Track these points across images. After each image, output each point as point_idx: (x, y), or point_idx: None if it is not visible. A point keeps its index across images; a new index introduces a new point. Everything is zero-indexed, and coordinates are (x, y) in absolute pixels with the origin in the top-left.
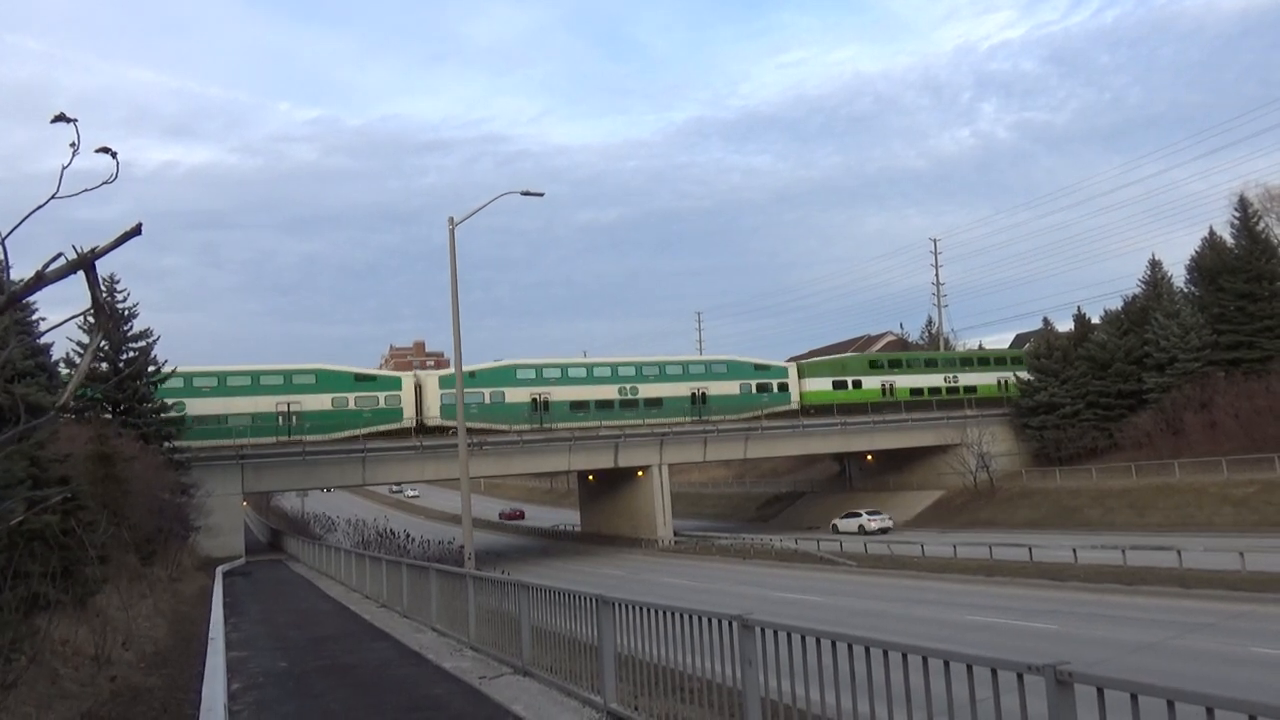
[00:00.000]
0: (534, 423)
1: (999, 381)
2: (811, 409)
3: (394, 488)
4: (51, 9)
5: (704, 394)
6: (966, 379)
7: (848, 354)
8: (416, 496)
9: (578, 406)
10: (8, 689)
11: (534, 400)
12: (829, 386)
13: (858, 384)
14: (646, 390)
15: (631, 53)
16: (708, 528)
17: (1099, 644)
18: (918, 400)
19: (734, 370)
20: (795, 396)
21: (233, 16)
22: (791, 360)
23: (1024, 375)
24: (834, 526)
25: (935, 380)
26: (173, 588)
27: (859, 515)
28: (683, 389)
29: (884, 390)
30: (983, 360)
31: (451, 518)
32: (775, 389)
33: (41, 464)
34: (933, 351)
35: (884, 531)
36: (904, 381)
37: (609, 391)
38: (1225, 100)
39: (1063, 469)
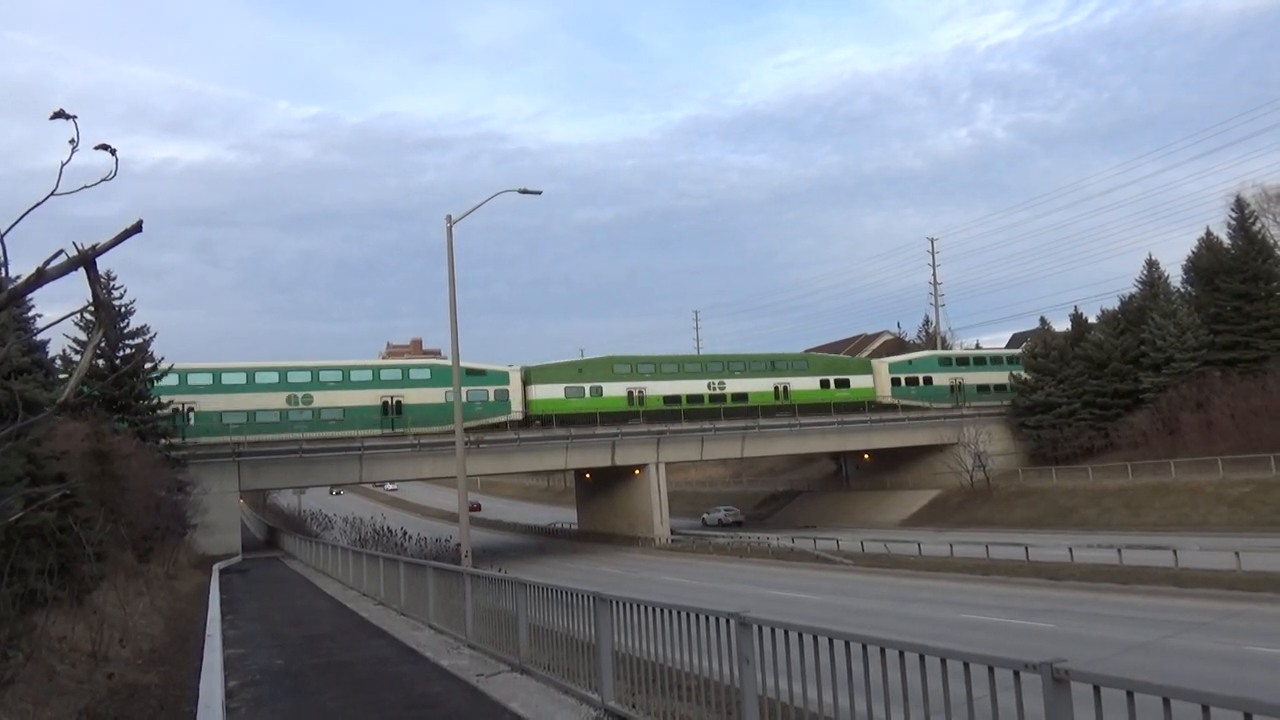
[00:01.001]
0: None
1: (775, 388)
2: (538, 420)
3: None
4: (51, 6)
5: (399, 402)
6: (735, 386)
7: (589, 358)
8: (395, 490)
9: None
10: (5, 686)
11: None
12: (561, 394)
13: (598, 390)
14: (324, 399)
15: (631, 52)
16: (705, 526)
17: (1095, 643)
18: (672, 409)
19: (439, 375)
20: (518, 405)
21: (232, 14)
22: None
23: (806, 382)
24: (703, 519)
25: (697, 387)
26: (169, 585)
27: (719, 510)
28: (371, 397)
29: (631, 398)
30: (756, 364)
31: (437, 514)
32: (491, 396)
33: (38, 461)
34: (695, 355)
35: (738, 524)
36: (656, 389)
37: (276, 400)
38: (1222, 101)
39: (1059, 468)
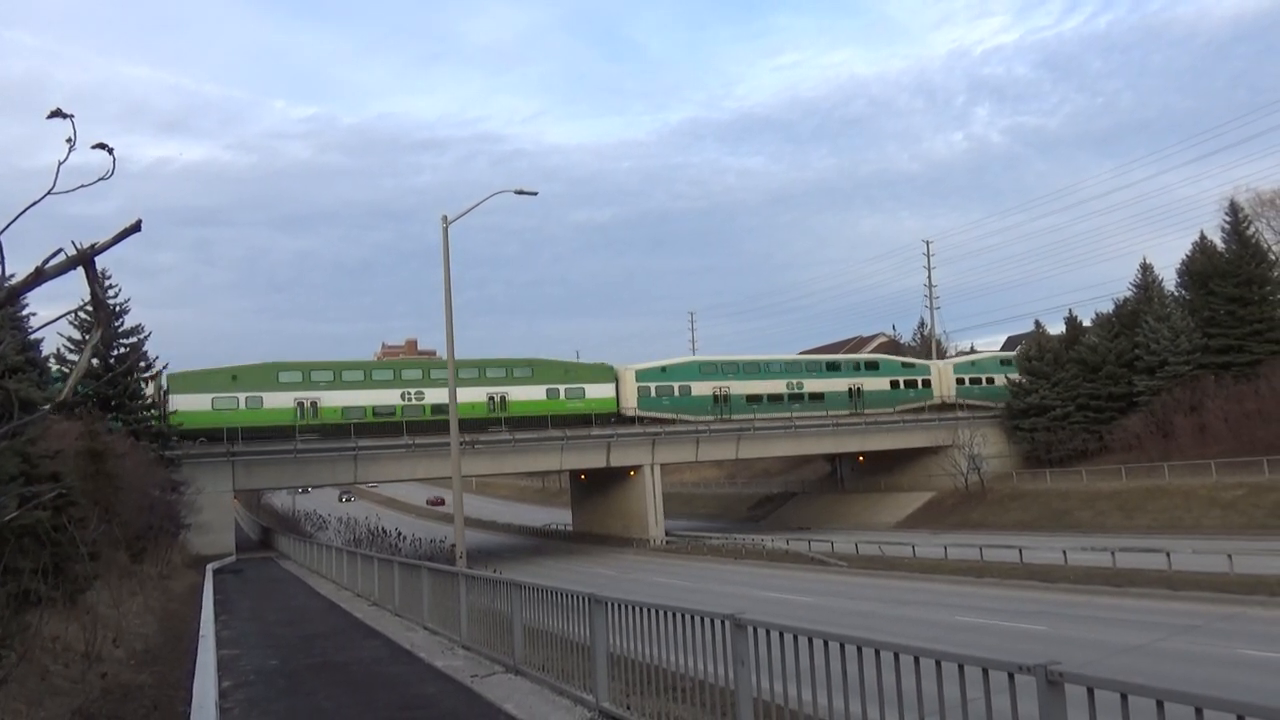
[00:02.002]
0: None
1: (490, 399)
2: (176, 434)
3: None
4: (48, 5)
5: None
6: (436, 395)
7: (248, 364)
8: (375, 487)
9: None
10: None
11: None
12: (208, 405)
13: (257, 401)
14: None
15: (628, 53)
16: (699, 528)
17: (1088, 645)
18: (355, 422)
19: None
20: None
21: (230, 14)
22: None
23: (529, 391)
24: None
25: (388, 397)
26: (163, 585)
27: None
28: None
29: (300, 410)
30: (465, 370)
31: (430, 515)
32: None
33: (32, 460)
34: (373, 361)
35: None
36: (333, 399)
37: None
38: (1216, 106)
39: (1053, 471)
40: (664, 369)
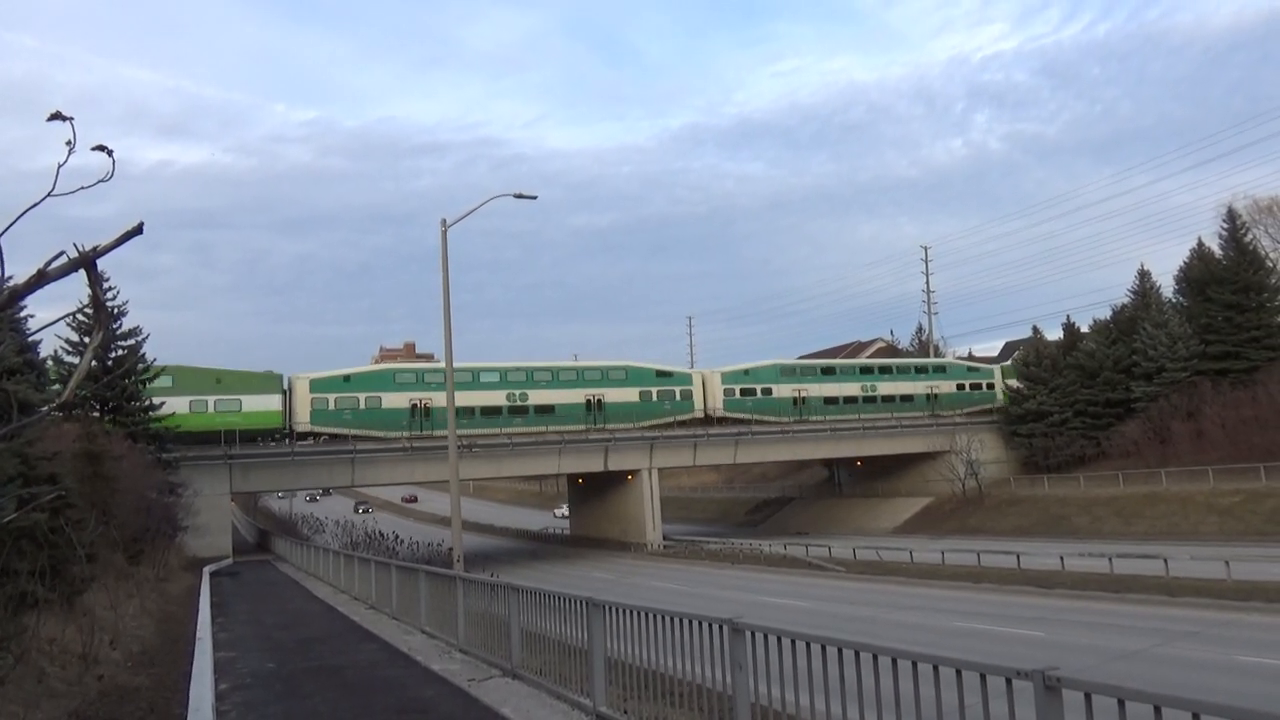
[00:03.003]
0: None
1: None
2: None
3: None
4: (49, 7)
5: None
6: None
7: None
8: (364, 488)
9: None
10: None
11: None
12: None
13: None
14: None
15: (628, 59)
16: (697, 532)
17: (1085, 651)
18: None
19: None
20: None
21: (230, 17)
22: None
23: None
24: (554, 513)
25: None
26: (160, 587)
27: (562, 507)
28: None
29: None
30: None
31: (429, 517)
32: None
33: (30, 461)
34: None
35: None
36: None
37: None
38: (1214, 113)
39: (1051, 477)
40: (347, 378)
